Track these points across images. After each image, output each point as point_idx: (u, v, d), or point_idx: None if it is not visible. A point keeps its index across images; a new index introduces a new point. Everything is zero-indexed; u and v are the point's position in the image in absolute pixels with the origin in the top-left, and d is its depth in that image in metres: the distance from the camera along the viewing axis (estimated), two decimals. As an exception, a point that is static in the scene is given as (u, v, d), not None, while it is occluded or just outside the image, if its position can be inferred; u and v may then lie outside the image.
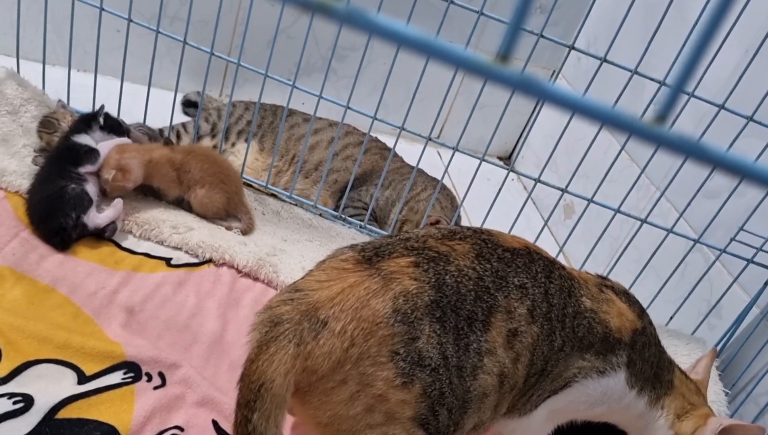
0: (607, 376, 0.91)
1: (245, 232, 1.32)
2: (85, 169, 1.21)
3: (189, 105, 1.74)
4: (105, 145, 1.25)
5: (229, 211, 1.33)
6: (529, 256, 0.87)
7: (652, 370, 0.97)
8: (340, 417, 0.73)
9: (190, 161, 1.30)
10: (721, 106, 1.25)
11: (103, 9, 1.29)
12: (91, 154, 1.22)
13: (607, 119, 0.25)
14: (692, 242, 1.34)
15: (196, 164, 1.30)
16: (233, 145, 1.57)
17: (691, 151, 0.24)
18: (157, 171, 1.27)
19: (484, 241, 0.85)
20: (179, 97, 1.71)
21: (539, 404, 0.90)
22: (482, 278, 0.80)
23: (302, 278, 0.78)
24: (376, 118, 1.32)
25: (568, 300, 0.88)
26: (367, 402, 0.73)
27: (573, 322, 0.87)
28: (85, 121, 1.28)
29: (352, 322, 0.71)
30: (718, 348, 1.37)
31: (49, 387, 0.94)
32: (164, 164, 1.28)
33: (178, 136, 1.53)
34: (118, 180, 1.21)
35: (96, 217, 1.18)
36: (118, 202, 1.21)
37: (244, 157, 1.49)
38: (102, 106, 1.31)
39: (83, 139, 1.25)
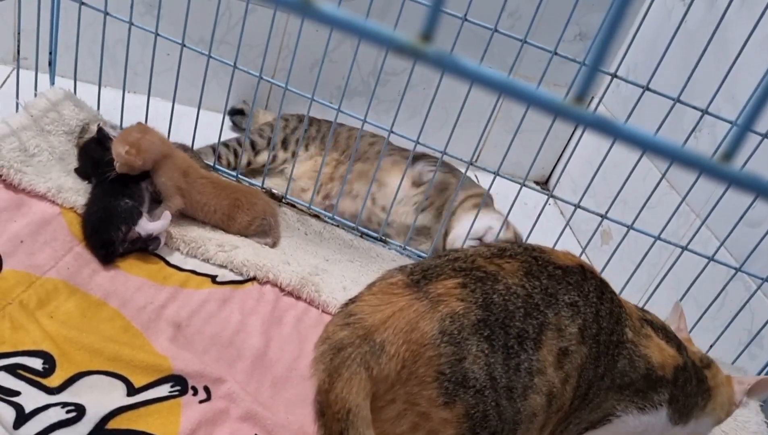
0: (648, 414, 0.90)
1: (273, 245, 1.35)
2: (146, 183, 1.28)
3: (235, 113, 1.78)
4: None
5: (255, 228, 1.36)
6: (582, 274, 0.86)
7: (694, 401, 0.96)
8: (386, 434, 0.75)
9: (201, 181, 1.32)
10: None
11: (158, 34, 1.34)
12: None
13: (676, 157, 0.27)
14: (733, 271, 1.33)
15: (209, 187, 1.32)
16: (293, 154, 1.59)
17: (761, 189, 0.25)
18: (166, 168, 1.29)
19: (535, 259, 0.84)
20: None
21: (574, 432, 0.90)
22: (531, 296, 0.80)
23: (354, 303, 0.79)
24: (419, 143, 1.35)
25: (615, 327, 0.87)
26: (412, 420, 0.74)
27: (614, 351, 0.87)
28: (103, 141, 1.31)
29: (404, 345, 0.73)
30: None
31: (100, 398, 0.97)
32: (175, 167, 1.30)
33: (236, 155, 1.56)
34: (131, 155, 1.23)
35: (147, 225, 1.22)
36: (167, 214, 1.25)
37: (291, 167, 1.50)
38: (98, 125, 1.35)
39: None
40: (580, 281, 0.85)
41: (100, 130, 1.31)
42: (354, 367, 0.72)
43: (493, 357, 0.75)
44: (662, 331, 0.96)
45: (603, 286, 0.89)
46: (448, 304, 0.76)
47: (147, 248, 1.23)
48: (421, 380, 0.73)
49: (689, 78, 1.25)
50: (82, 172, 1.31)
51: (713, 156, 0.28)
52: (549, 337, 0.79)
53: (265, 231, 1.36)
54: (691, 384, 0.95)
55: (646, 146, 0.27)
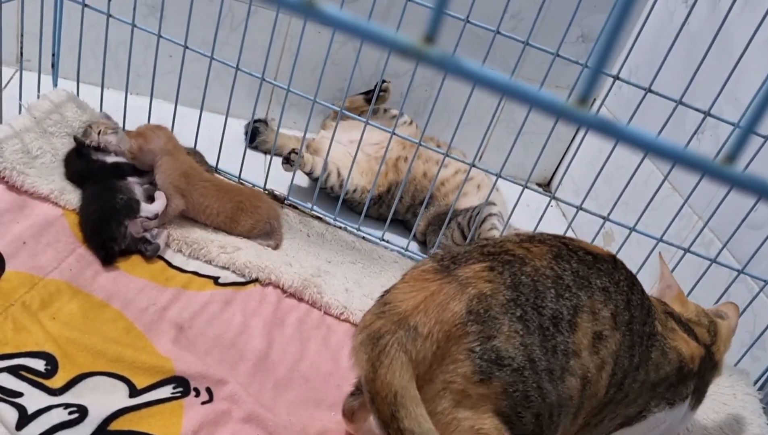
0: (675, 408, 0.92)
1: (276, 247, 1.35)
2: (134, 178, 1.29)
3: (258, 121, 1.78)
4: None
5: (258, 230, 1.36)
6: (613, 263, 0.87)
7: (709, 382, 0.99)
8: (429, 413, 0.76)
9: (203, 184, 1.33)
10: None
11: (161, 36, 1.35)
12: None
13: (679, 159, 0.27)
14: (736, 273, 1.33)
15: (211, 190, 1.33)
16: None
17: (764, 191, 0.25)
18: (165, 165, 1.30)
19: (565, 244, 0.86)
20: (241, 124, 1.77)
21: (611, 431, 0.90)
22: (561, 277, 0.81)
23: (389, 292, 0.82)
24: (421, 144, 1.35)
25: (647, 318, 0.87)
26: (452, 398, 0.76)
27: (648, 342, 0.87)
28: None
29: (436, 325, 0.75)
30: (762, 380, 1.35)
31: (102, 399, 0.97)
32: (175, 167, 1.31)
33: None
34: (133, 137, 1.28)
35: (148, 207, 1.24)
36: (161, 194, 1.27)
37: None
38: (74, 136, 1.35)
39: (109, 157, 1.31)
40: (611, 269, 0.86)
41: (75, 138, 1.31)
42: (393, 352, 0.75)
43: (530, 338, 0.77)
44: (681, 323, 0.96)
45: (633, 278, 0.89)
46: (476, 286, 0.78)
47: (145, 253, 1.23)
48: (455, 359, 0.75)
49: (691, 80, 1.24)
50: (71, 180, 1.31)
51: (716, 158, 0.28)
52: (584, 320, 0.80)
53: (267, 233, 1.36)
54: (709, 371, 0.97)
55: (649, 148, 0.27)
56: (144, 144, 1.29)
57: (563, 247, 0.85)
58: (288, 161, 1.53)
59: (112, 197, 1.23)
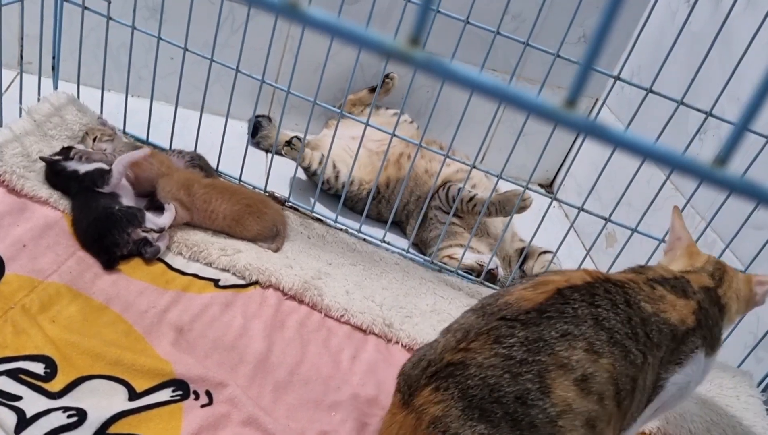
0: (687, 365, 0.92)
1: (276, 250, 1.35)
2: (103, 189, 1.26)
3: (260, 116, 1.81)
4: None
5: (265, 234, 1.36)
6: (560, 297, 0.85)
7: (719, 324, 0.99)
8: None
9: (204, 190, 1.33)
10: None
11: (161, 38, 1.35)
12: (104, 174, 1.27)
13: (669, 162, 0.27)
14: (739, 274, 1.32)
15: (214, 194, 1.33)
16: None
17: (755, 194, 0.25)
18: (165, 185, 1.32)
19: (502, 318, 0.84)
20: (243, 126, 1.78)
21: (638, 416, 0.90)
22: (510, 356, 0.80)
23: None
24: (422, 146, 1.35)
25: (630, 310, 0.86)
26: None
27: (644, 329, 0.86)
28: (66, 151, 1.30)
29: None
30: (766, 382, 1.34)
31: (102, 402, 0.97)
32: (173, 183, 1.32)
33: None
34: (134, 174, 1.30)
35: (157, 220, 1.24)
36: (171, 207, 1.27)
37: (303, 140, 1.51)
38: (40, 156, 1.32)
39: (78, 165, 1.28)
40: (562, 306, 0.84)
41: (41, 158, 1.28)
42: None
43: (498, 431, 0.77)
44: (668, 282, 0.95)
45: (591, 289, 0.87)
46: (428, 411, 0.80)
47: (145, 255, 1.23)
48: None
49: (693, 80, 1.24)
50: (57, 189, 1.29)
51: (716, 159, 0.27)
52: (556, 377, 0.79)
53: (272, 237, 1.36)
54: (712, 316, 0.97)
55: (639, 151, 0.27)
56: (140, 173, 1.31)
57: (502, 324, 0.83)
58: (289, 144, 1.54)
59: (109, 206, 1.22)
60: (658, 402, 0.91)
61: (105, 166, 1.27)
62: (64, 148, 1.29)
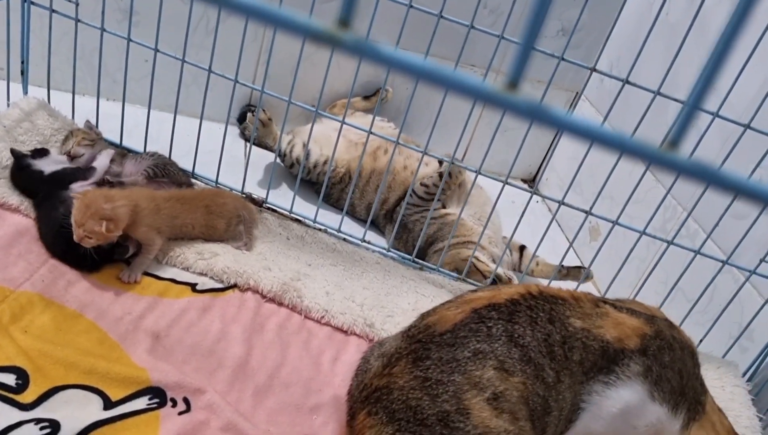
0: (616, 387, 0.86)
1: (249, 248, 1.33)
2: (78, 184, 1.24)
3: (245, 109, 1.87)
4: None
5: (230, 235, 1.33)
6: (476, 316, 0.85)
7: (681, 380, 0.90)
8: None
9: (169, 205, 1.25)
10: (747, 126, 1.24)
11: (131, 40, 1.32)
12: (87, 170, 1.26)
13: (619, 146, 0.25)
14: (721, 263, 1.32)
15: (178, 207, 1.27)
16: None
17: (708, 177, 0.23)
18: (141, 220, 1.19)
19: (420, 341, 0.85)
20: (221, 128, 1.76)
21: None
22: (427, 378, 0.81)
23: None
24: (399, 143, 1.33)
25: (550, 327, 0.85)
26: None
27: (563, 349, 0.85)
28: (40, 152, 1.28)
29: None
30: (750, 371, 1.34)
31: (76, 413, 0.95)
32: (147, 213, 1.20)
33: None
34: (110, 230, 1.12)
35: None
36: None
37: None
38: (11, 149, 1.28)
39: (49, 165, 1.26)
40: (477, 325, 0.84)
41: (12, 151, 1.25)
42: None
43: None
44: (625, 308, 0.93)
45: (513, 307, 0.86)
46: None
47: (112, 258, 1.20)
48: None
49: (668, 70, 1.23)
50: (21, 192, 1.25)
51: (693, 151, 0.26)
52: (471, 396, 0.79)
53: (240, 232, 1.33)
54: (669, 354, 0.90)
55: (585, 135, 0.25)
56: (114, 229, 1.14)
57: (419, 347, 0.85)
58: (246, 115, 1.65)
59: (68, 214, 1.13)
60: (583, 427, 0.88)
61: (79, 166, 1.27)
62: (37, 150, 1.27)
